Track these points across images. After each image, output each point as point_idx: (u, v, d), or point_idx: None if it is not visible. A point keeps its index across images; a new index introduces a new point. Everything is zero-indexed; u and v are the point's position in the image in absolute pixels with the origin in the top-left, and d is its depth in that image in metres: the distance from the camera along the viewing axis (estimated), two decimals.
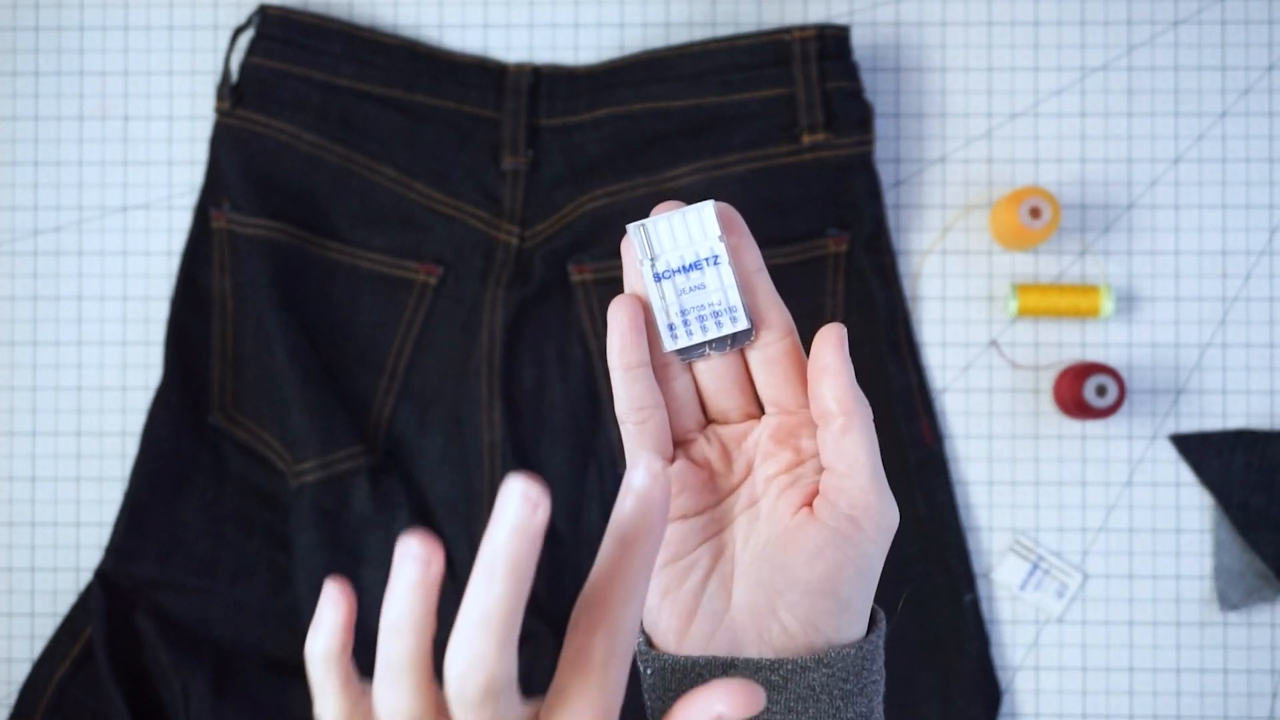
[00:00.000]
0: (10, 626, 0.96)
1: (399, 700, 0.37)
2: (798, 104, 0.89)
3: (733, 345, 0.43)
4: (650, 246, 0.43)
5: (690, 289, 0.43)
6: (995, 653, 0.92)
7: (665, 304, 0.43)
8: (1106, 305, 0.91)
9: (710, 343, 0.43)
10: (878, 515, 0.41)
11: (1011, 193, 0.91)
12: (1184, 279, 0.94)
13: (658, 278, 0.43)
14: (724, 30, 0.95)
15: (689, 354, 0.43)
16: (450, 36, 0.96)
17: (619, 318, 0.42)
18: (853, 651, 0.42)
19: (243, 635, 0.91)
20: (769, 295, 0.43)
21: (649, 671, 0.43)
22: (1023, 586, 0.93)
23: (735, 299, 0.42)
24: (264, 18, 0.92)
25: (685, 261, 0.42)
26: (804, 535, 0.42)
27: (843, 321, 0.91)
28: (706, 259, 0.42)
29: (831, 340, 0.42)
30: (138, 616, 0.90)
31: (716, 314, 0.42)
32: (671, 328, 0.43)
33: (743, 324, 0.42)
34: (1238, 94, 0.94)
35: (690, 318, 0.43)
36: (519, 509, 0.34)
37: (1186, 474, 0.93)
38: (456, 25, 0.96)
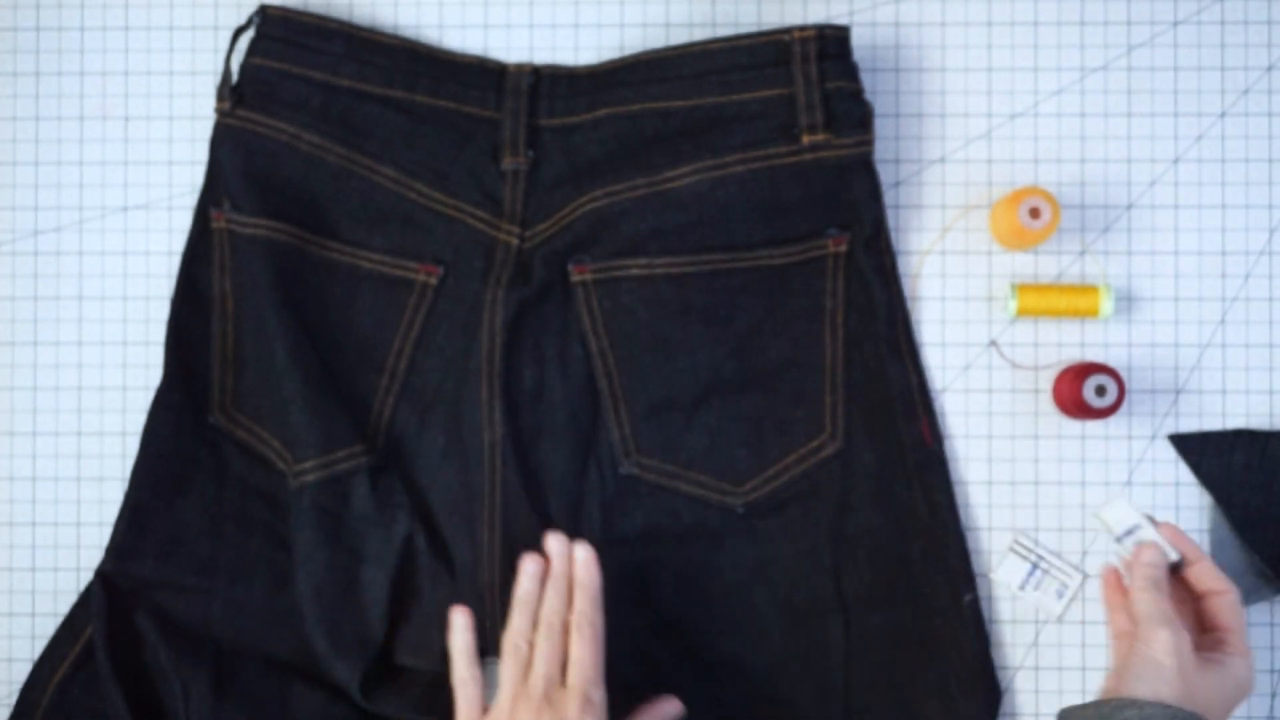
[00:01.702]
0: (11, 626, 0.96)
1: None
2: (797, 104, 0.89)
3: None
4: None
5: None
6: (995, 653, 0.92)
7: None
8: (1106, 305, 0.91)
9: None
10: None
11: (1011, 193, 0.91)
12: (1183, 279, 0.94)
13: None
14: (724, 31, 0.95)
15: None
16: (450, 37, 0.96)
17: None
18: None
19: (243, 635, 0.91)
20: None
21: None
22: (1022, 586, 0.93)
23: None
24: (264, 18, 0.93)
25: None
26: None
27: (842, 321, 0.92)
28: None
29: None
30: (138, 616, 0.90)
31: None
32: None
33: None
34: (1237, 94, 0.94)
35: None
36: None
37: (1186, 474, 0.93)
38: (457, 26, 0.97)
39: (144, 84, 0.97)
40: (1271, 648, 0.93)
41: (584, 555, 0.85)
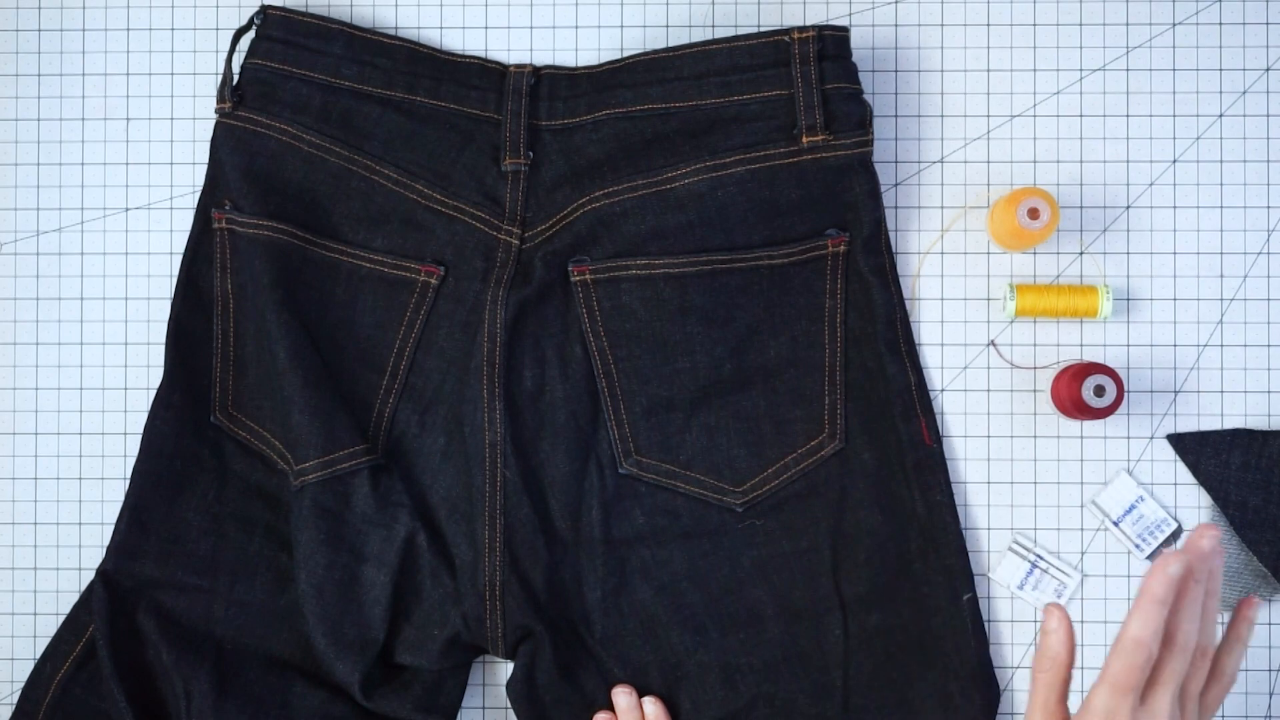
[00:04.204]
0: (13, 626, 0.97)
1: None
2: (797, 105, 0.90)
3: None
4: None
5: None
6: (994, 652, 0.93)
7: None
8: (1105, 305, 0.92)
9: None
10: None
11: (1010, 193, 0.91)
12: (1182, 279, 0.94)
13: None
14: (724, 31, 0.95)
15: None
16: (451, 38, 0.97)
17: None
18: None
19: (244, 634, 0.92)
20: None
21: None
22: (1021, 586, 0.93)
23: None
24: (265, 19, 0.93)
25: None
26: None
27: (841, 321, 0.92)
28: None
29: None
30: (140, 615, 0.90)
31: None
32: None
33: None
34: (1235, 95, 0.94)
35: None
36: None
37: (1184, 474, 0.93)
38: (457, 27, 0.97)
39: (145, 85, 0.97)
40: (1270, 647, 0.93)
41: (654, 710, 0.90)
